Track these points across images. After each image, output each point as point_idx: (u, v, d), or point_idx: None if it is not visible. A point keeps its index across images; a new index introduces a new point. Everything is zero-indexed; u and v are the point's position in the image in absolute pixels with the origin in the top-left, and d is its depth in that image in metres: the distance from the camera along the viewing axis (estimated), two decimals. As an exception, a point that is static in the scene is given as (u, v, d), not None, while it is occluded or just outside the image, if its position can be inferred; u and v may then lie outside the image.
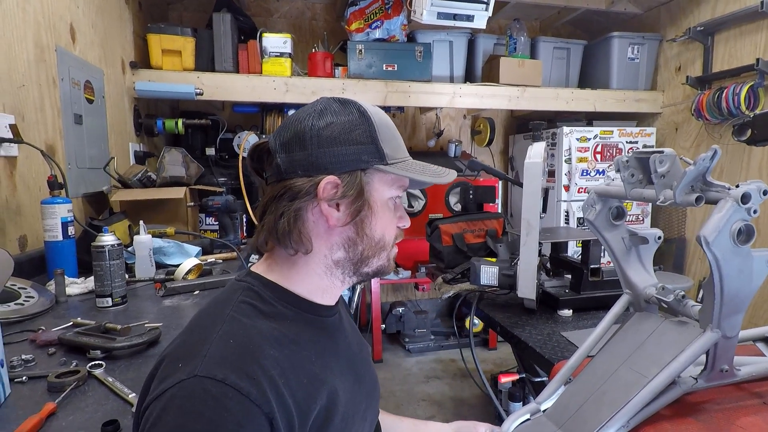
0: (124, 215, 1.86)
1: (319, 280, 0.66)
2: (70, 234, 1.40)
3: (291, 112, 2.96)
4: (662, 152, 0.84)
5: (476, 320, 1.79)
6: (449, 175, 0.71)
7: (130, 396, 0.73)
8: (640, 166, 0.92)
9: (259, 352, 0.54)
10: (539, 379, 1.54)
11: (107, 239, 1.20)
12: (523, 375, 1.57)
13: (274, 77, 2.66)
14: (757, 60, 2.34)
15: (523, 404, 2.21)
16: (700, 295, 2.76)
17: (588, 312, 1.50)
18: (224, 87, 2.62)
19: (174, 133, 2.73)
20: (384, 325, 3.15)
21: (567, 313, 1.49)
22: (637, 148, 3.02)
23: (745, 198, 0.76)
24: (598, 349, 1.06)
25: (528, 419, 1.04)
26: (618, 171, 0.96)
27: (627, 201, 1.00)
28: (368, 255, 0.67)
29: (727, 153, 2.67)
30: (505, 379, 1.61)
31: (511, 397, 2.20)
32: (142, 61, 2.61)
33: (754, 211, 0.76)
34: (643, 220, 3.13)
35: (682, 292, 0.96)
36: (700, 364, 0.90)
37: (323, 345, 0.65)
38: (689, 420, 0.86)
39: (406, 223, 0.72)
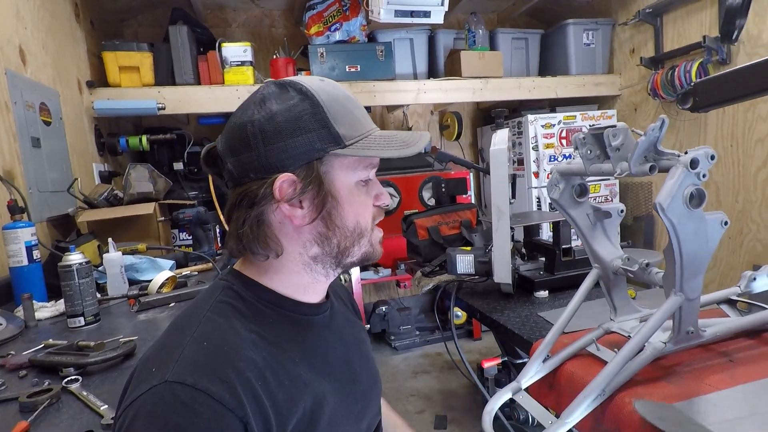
0: (93, 236, 1.81)
1: (298, 278, 0.63)
2: (35, 258, 1.36)
3: (258, 120, 2.94)
4: (615, 126, 0.88)
5: (459, 312, 1.81)
6: (419, 143, 0.63)
7: (101, 408, 0.71)
8: (596, 142, 0.96)
9: (235, 353, 0.53)
10: (521, 361, 1.57)
11: (74, 258, 1.17)
12: (506, 359, 1.60)
13: (237, 86, 2.64)
14: (704, 37, 2.43)
15: (510, 389, 2.24)
16: (671, 268, 2.86)
17: (563, 291, 1.54)
18: (187, 100, 2.59)
19: (139, 150, 2.67)
20: (369, 325, 3.15)
21: (543, 294, 1.52)
22: (600, 130, 3.13)
23: (693, 163, 0.79)
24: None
25: (510, 398, 1.07)
26: (576, 149, 0.99)
27: (589, 177, 1.04)
28: (347, 245, 0.63)
29: (685, 129, 2.77)
30: (488, 364, 1.64)
31: (498, 384, 2.23)
32: (99, 79, 2.54)
33: (704, 176, 0.80)
34: (612, 200, 3.22)
35: (646, 261, 0.99)
36: (668, 329, 0.94)
37: (309, 345, 0.63)
38: (662, 383, 0.89)
39: (386, 200, 0.66)
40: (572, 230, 1.55)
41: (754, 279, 1.11)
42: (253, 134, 0.57)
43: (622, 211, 1.10)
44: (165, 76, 2.63)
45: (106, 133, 2.63)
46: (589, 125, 3.09)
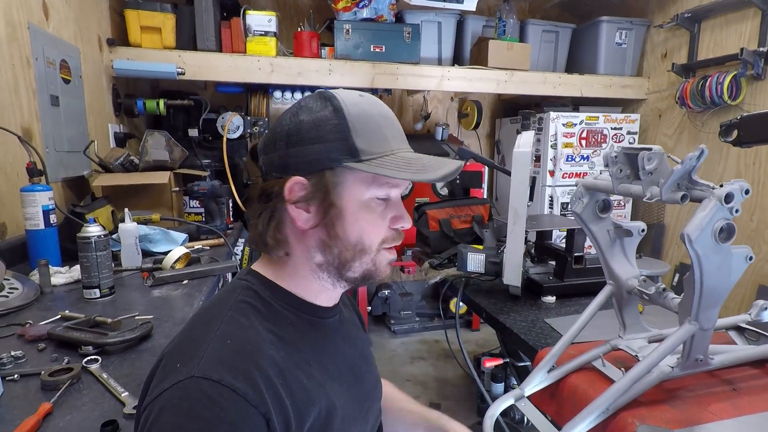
0: (107, 201, 1.82)
1: (308, 282, 0.65)
2: (52, 222, 1.37)
3: (276, 93, 2.90)
4: (650, 149, 0.86)
5: (460, 303, 1.82)
6: (438, 171, 0.61)
7: (123, 395, 0.72)
8: (628, 161, 0.94)
9: (257, 352, 0.55)
10: (522, 364, 1.59)
11: (93, 230, 1.17)
12: (507, 360, 1.62)
13: (259, 57, 2.59)
14: (742, 49, 2.36)
15: (505, 385, 2.29)
16: (676, 279, 2.86)
17: (571, 299, 1.54)
18: (207, 66, 2.55)
19: (155, 114, 2.65)
20: (370, 307, 3.19)
21: (550, 299, 1.53)
22: (622, 135, 3.08)
23: (728, 198, 0.78)
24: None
25: (512, 404, 1.09)
26: (606, 166, 0.97)
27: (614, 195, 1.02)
28: (347, 258, 0.63)
29: (708, 141, 2.72)
30: (489, 364, 1.66)
31: (494, 378, 2.27)
32: (120, 38, 2.50)
33: (736, 211, 0.79)
34: (624, 205, 3.20)
35: (663, 285, 0.99)
36: (677, 353, 0.95)
37: (322, 347, 0.65)
38: (664, 406, 0.90)
39: (404, 224, 0.66)
40: (586, 237, 1.55)
41: (765, 308, 1.11)
42: (281, 136, 0.61)
43: (643, 230, 1.09)
44: (186, 39, 2.59)
45: (123, 94, 2.61)
46: (611, 128, 3.04)
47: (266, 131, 0.67)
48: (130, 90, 2.76)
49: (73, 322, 0.96)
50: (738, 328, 1.18)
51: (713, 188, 0.80)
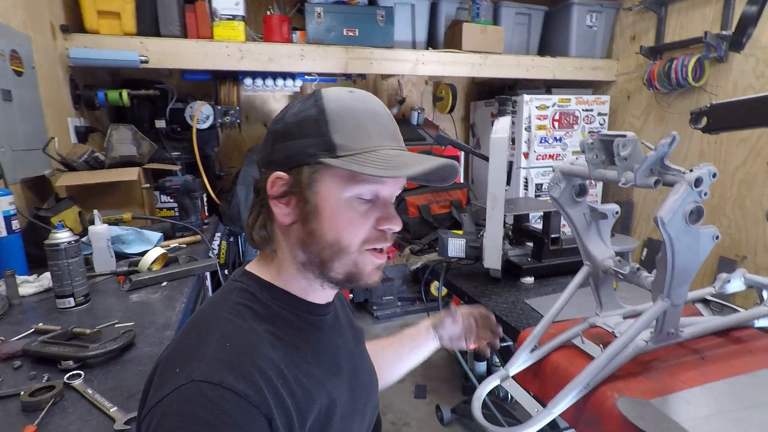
0: (73, 201, 1.74)
1: (297, 280, 0.65)
2: (14, 228, 1.30)
3: (247, 80, 2.82)
4: (625, 136, 0.89)
5: (442, 287, 1.86)
6: (415, 166, 0.57)
7: (111, 410, 0.70)
8: (603, 148, 0.97)
9: (256, 353, 0.55)
10: (504, 344, 1.64)
11: (62, 236, 1.11)
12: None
13: (227, 42, 2.50)
14: (705, 33, 2.43)
15: (487, 363, 2.36)
16: (644, 254, 2.98)
17: (549, 279, 1.59)
18: (172, 53, 2.44)
19: (118, 106, 2.53)
20: (351, 295, 3.21)
21: (529, 280, 1.57)
22: (592, 116, 3.15)
23: (698, 182, 0.82)
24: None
25: (498, 384, 1.13)
26: (583, 152, 1.00)
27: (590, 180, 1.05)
28: (326, 258, 0.61)
29: (673, 122, 2.81)
30: (473, 346, 1.70)
31: (476, 358, 2.34)
32: (75, 24, 2.35)
33: (705, 194, 0.83)
34: (595, 185, 3.29)
35: (636, 265, 1.04)
36: (650, 328, 1.00)
37: (320, 344, 0.66)
38: (640, 378, 0.96)
39: (392, 225, 0.62)
40: (562, 220, 1.59)
41: (728, 281, 1.18)
42: (270, 134, 0.63)
43: (617, 213, 1.13)
44: (149, 25, 2.46)
45: (82, 85, 2.47)
46: (583, 109, 3.10)
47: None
48: (89, 80, 2.62)
49: (48, 336, 0.91)
50: (704, 301, 1.25)
51: (684, 173, 0.83)
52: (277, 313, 0.62)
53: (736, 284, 1.18)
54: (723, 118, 0.89)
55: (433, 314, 1.09)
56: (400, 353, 1.01)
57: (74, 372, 0.82)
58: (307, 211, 0.60)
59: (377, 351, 0.95)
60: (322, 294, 0.68)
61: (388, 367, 0.97)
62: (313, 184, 0.59)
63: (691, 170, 0.83)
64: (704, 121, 0.90)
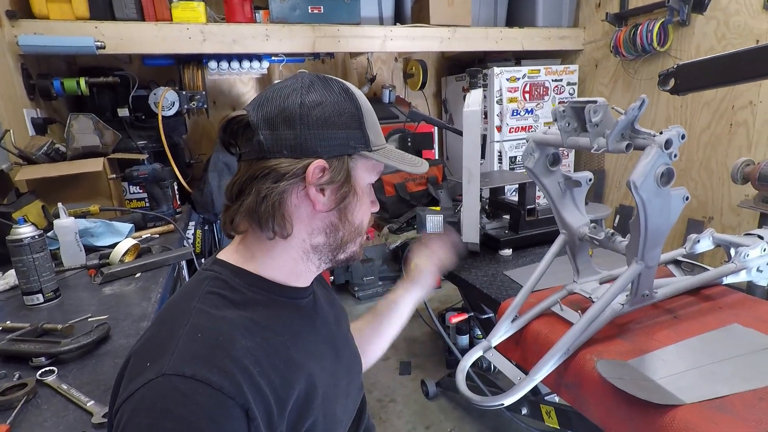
0: (35, 196, 1.67)
1: (294, 264, 0.65)
2: (-25, 225, 1.24)
3: (211, 63, 2.72)
4: (596, 102, 0.89)
5: (422, 264, 1.88)
6: (423, 166, 0.71)
7: (88, 404, 0.68)
8: (575, 115, 0.97)
9: (230, 343, 0.53)
10: (485, 316, 1.66)
11: (25, 231, 1.07)
12: (471, 314, 1.69)
13: (188, 24, 2.40)
14: (668, -3, 2.46)
15: (469, 337, 2.40)
16: (617, 220, 3.06)
17: (526, 249, 1.62)
18: (130, 38, 2.33)
19: (77, 95, 2.41)
20: (333, 277, 3.20)
21: (507, 252, 1.59)
22: (562, 86, 3.17)
23: (668, 144, 0.83)
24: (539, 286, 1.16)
25: (481, 355, 1.14)
26: (555, 120, 1.00)
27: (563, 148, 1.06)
28: (346, 240, 0.66)
29: (641, 88, 2.86)
30: (455, 320, 1.73)
31: (459, 331, 2.38)
32: (23, 9, 2.22)
33: (675, 155, 0.84)
34: (567, 155, 3.34)
35: (611, 231, 1.05)
36: (626, 291, 1.02)
37: (298, 327, 0.65)
38: (617, 340, 0.98)
39: (377, 207, 0.71)
40: (537, 190, 1.61)
41: (698, 242, 1.22)
42: (300, 115, 0.59)
43: (590, 180, 1.15)
44: (102, 8, 2.32)
45: (35, 74, 2.35)
46: (552, 80, 3.12)
47: (260, 104, 0.62)
48: (43, 69, 2.48)
49: (17, 334, 0.88)
50: (676, 262, 1.29)
51: (654, 136, 0.84)
52: (252, 298, 0.61)
53: (705, 244, 1.22)
54: (690, 79, 0.90)
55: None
56: (379, 324, 1.00)
57: (47, 368, 0.80)
58: (349, 199, 0.63)
59: (357, 330, 0.95)
60: (306, 277, 0.68)
61: (370, 342, 0.97)
62: (352, 174, 0.63)
63: (660, 133, 0.84)
64: (672, 82, 0.91)
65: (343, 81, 0.65)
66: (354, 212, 0.65)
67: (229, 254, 0.65)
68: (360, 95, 0.65)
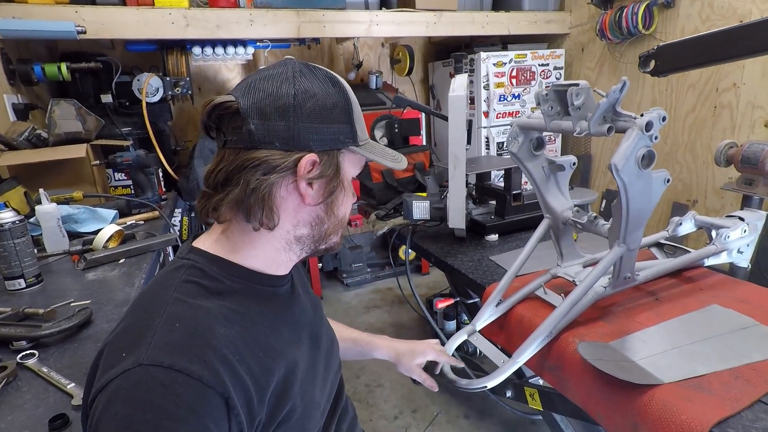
0: (17, 181, 1.64)
1: (276, 254, 0.65)
2: (-46, 211, 1.22)
3: (195, 49, 2.67)
4: (578, 85, 0.89)
5: (409, 250, 1.88)
6: (402, 162, 0.72)
7: (69, 387, 0.69)
8: (558, 98, 0.97)
9: (209, 332, 0.53)
10: (471, 301, 1.68)
11: (5, 216, 1.06)
12: (457, 299, 1.71)
13: (170, 9, 2.35)
14: (654, -23, 2.45)
15: (456, 321, 2.42)
16: (603, 205, 3.09)
17: (512, 234, 1.63)
18: (111, 23, 2.27)
19: (58, 81, 2.36)
20: (321, 264, 3.20)
21: (493, 237, 1.60)
22: (549, 71, 3.16)
23: (648, 126, 0.83)
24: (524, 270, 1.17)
25: (466, 339, 1.16)
26: (538, 104, 1.00)
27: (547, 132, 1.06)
28: (330, 233, 0.67)
29: (626, 71, 2.86)
30: (442, 305, 1.74)
31: (446, 317, 2.40)
32: (0, -8, 2.16)
33: (656, 138, 0.85)
34: (554, 140, 3.35)
35: (594, 214, 1.06)
36: (608, 274, 1.04)
37: (276, 315, 0.65)
38: (599, 323, 1.00)
39: (356, 198, 0.73)
40: (523, 176, 1.61)
41: (680, 224, 1.23)
42: (294, 106, 0.58)
43: (574, 163, 1.15)
44: (82, -9, 2.28)
45: (15, 60, 2.29)
46: (539, 64, 3.11)
47: (248, 91, 0.59)
48: (22, 54, 2.42)
49: (-1, 317, 0.88)
50: (658, 245, 1.31)
51: (635, 118, 0.85)
52: (229, 287, 0.60)
53: (687, 226, 1.24)
54: (670, 60, 0.90)
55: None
56: (348, 351, 1.03)
57: (27, 352, 0.80)
58: (337, 193, 0.64)
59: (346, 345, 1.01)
60: (286, 266, 0.68)
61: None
62: (341, 168, 0.64)
63: (641, 115, 0.84)
64: (652, 63, 0.91)
65: (329, 70, 0.64)
66: (339, 205, 0.66)
67: (206, 242, 0.64)
68: (348, 88, 0.65)
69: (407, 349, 1.04)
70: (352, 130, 0.63)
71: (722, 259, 1.19)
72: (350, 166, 0.66)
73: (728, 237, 1.16)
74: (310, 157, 0.59)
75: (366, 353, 1.04)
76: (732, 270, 1.27)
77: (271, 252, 0.65)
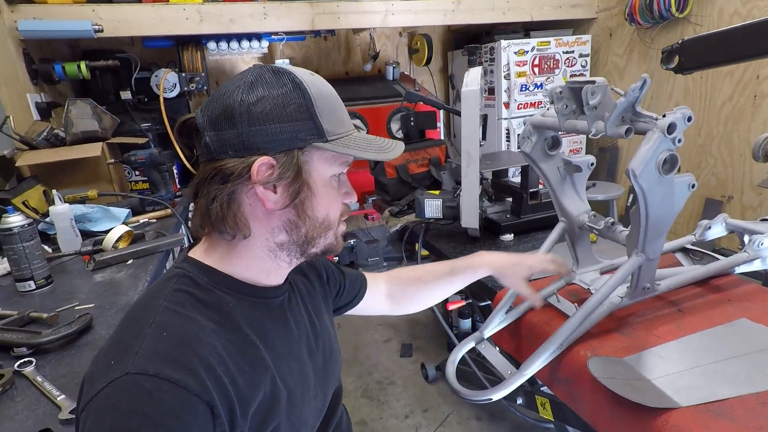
0: (36, 180, 1.68)
1: (262, 263, 0.64)
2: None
3: (210, 44, 2.67)
4: (594, 82, 0.82)
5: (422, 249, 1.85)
6: (395, 150, 0.66)
7: (59, 399, 0.68)
8: (573, 96, 0.91)
9: (196, 341, 0.53)
10: (484, 303, 1.63)
11: (14, 220, 1.08)
12: (470, 301, 1.66)
13: (185, 5, 2.35)
14: (689, -46, 2.30)
15: (472, 320, 2.37)
16: (630, 200, 2.96)
17: (528, 234, 1.56)
18: (127, 20, 2.30)
19: (79, 79, 2.40)
20: (337, 258, 3.19)
21: (508, 237, 1.54)
22: (574, 58, 3.03)
23: (671, 128, 0.76)
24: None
25: (473, 347, 1.11)
26: (552, 102, 0.94)
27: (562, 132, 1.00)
28: (313, 236, 0.64)
29: (657, 57, 2.70)
30: (453, 307, 1.71)
31: (461, 315, 2.35)
32: (21, -6, 2.20)
33: (679, 140, 0.78)
34: (580, 130, 3.21)
35: (611, 219, 1.00)
36: (626, 283, 0.97)
37: (267, 327, 0.63)
38: (615, 335, 0.94)
39: (353, 198, 0.69)
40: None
41: (709, 228, 1.15)
42: (240, 113, 0.57)
43: (592, 164, 1.08)
44: (99, -11, 2.30)
45: (38, 59, 2.34)
46: (563, 52, 2.98)
47: (206, 105, 0.61)
48: (45, 54, 2.47)
49: (4, 322, 0.89)
50: (684, 250, 1.22)
51: (656, 119, 0.78)
52: (219, 297, 0.60)
53: (717, 230, 1.15)
54: (696, 56, 0.82)
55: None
56: (450, 283, 1.00)
57: (26, 359, 0.80)
58: (303, 194, 0.60)
59: (418, 276, 1.01)
60: (279, 274, 0.67)
61: (423, 293, 1.01)
62: (305, 168, 0.60)
63: (664, 116, 0.77)
64: (676, 59, 0.83)
65: (298, 72, 0.61)
66: (314, 207, 0.62)
67: (199, 252, 0.64)
68: (314, 83, 0.61)
69: (511, 262, 0.97)
70: (315, 125, 0.59)
71: (755, 267, 1.11)
72: (322, 164, 0.62)
73: (762, 244, 1.07)
74: (263, 160, 0.57)
75: (469, 278, 0.99)
76: (766, 279, 1.18)
77: (257, 261, 0.63)
